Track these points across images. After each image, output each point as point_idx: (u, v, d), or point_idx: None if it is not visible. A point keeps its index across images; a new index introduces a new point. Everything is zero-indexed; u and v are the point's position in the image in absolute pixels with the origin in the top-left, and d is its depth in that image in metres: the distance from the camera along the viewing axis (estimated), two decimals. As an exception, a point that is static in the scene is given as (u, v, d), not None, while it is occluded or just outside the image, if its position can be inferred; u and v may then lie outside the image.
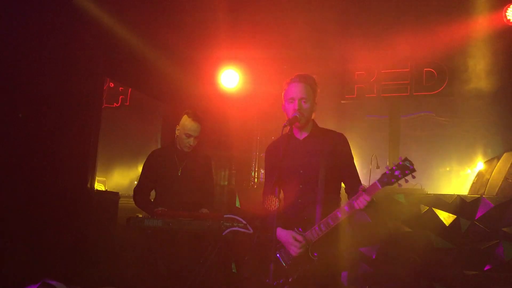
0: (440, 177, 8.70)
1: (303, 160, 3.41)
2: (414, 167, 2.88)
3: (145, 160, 4.81)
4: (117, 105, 8.96)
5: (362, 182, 3.39)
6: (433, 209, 5.46)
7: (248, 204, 6.36)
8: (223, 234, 4.07)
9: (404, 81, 7.39)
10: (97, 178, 6.19)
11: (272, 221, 3.14)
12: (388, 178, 2.92)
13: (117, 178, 9.40)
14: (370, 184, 3.07)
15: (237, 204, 6.51)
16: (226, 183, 8.06)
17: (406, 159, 2.88)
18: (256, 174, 8.28)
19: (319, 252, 3.26)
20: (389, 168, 2.91)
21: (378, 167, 6.99)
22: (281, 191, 3.42)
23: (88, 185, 5.55)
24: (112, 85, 8.84)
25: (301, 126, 3.43)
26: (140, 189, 4.65)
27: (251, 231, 4.05)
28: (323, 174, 3.28)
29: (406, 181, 2.94)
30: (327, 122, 3.63)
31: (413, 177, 2.93)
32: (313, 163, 3.35)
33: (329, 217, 3.20)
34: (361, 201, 3.10)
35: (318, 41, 6.77)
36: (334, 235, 3.27)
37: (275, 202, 3.17)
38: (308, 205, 3.29)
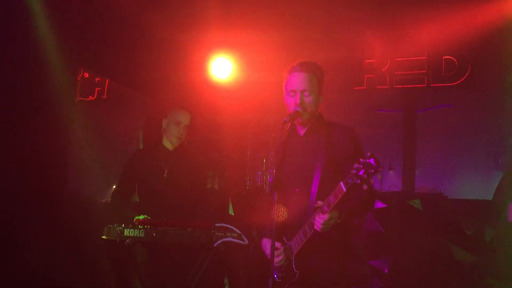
0: (461, 179, 8.72)
1: (301, 159, 3.41)
2: (379, 164, 2.84)
3: (125, 161, 4.80)
4: (92, 99, 8.92)
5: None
6: (454, 216, 5.47)
7: (243, 211, 6.36)
8: (215, 245, 4.06)
9: (420, 70, 7.38)
10: (69, 181, 6.16)
11: (270, 231, 3.13)
12: (353, 179, 2.89)
13: (93, 182, 9.36)
14: (335, 188, 3.01)
15: (230, 211, 6.50)
16: (217, 187, 8.05)
17: (371, 156, 2.85)
18: (252, 176, 8.27)
19: (301, 266, 3.26)
20: (355, 166, 2.89)
21: (391, 169, 7.01)
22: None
23: (59, 190, 5.53)
24: (86, 75, 8.80)
25: (303, 122, 3.42)
26: (119, 194, 4.65)
27: (246, 242, 4.05)
28: (319, 174, 3.27)
29: (371, 181, 2.92)
30: (331, 117, 3.61)
31: (379, 176, 2.92)
32: (310, 162, 3.35)
33: (307, 223, 3.20)
34: (317, 222, 3.07)
35: (322, 25, 6.76)
36: (321, 246, 3.24)
37: (274, 209, 3.17)
38: (302, 211, 3.28)
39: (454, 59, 7.27)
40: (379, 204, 5.70)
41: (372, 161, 2.82)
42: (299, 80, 3.38)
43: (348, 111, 8.01)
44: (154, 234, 4.10)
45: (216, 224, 4.15)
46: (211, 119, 7.62)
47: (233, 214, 7.03)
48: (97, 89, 8.92)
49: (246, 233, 4.12)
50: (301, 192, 3.33)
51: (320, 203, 3.09)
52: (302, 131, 3.48)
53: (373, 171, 2.83)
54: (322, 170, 3.27)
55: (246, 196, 7.16)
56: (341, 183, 2.96)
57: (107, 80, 8.83)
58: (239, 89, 7.65)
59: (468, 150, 8.81)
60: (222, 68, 7.40)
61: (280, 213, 3.37)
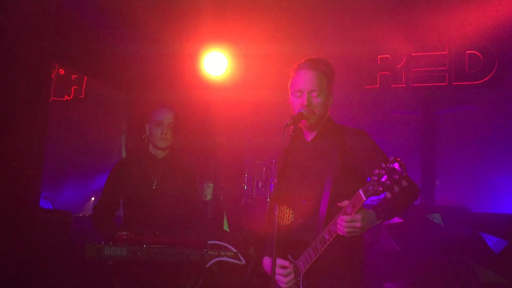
0: (487, 190, 8.71)
1: (309, 168, 3.42)
2: (404, 169, 2.83)
3: (105, 169, 4.80)
4: (69, 99, 8.93)
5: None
6: (480, 232, 5.46)
7: (240, 227, 6.35)
8: (207, 266, 4.05)
9: (441, 67, 7.38)
10: (42, 192, 6.14)
11: (272, 249, 3.12)
12: (374, 186, 2.88)
13: (69, 193, 9.36)
14: (354, 197, 3.02)
15: (225, 226, 6.49)
16: (210, 198, 8.04)
17: (394, 160, 2.84)
18: (250, 187, 8.26)
19: (309, 286, 3.25)
20: (376, 172, 2.88)
21: (407, 179, 6.97)
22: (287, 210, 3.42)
23: (31, 201, 5.52)
24: (62, 72, 8.81)
25: (310, 126, 3.43)
26: (102, 207, 4.65)
27: (244, 262, 4.05)
28: (330, 184, 3.27)
29: (395, 189, 2.90)
30: (339, 119, 3.62)
31: (404, 183, 2.87)
32: (320, 171, 3.36)
33: (318, 239, 3.20)
34: (340, 225, 3.05)
35: (329, 15, 6.76)
36: (331, 266, 3.24)
37: (275, 223, 3.15)
38: (311, 226, 3.29)
39: (479, 54, 7.27)
40: (394, 219, 5.69)
41: (396, 165, 2.82)
42: (307, 79, 3.39)
43: (358, 113, 8.01)
44: (138, 253, 4.09)
45: (209, 242, 4.14)
46: (204, 122, 7.62)
47: (228, 229, 7.02)
48: (74, 87, 8.92)
49: (243, 251, 4.11)
50: (308, 205, 3.33)
51: (343, 203, 3.07)
52: (309, 137, 3.49)
53: (397, 177, 2.82)
54: (334, 180, 3.27)
55: (243, 209, 7.15)
56: (360, 191, 2.97)
57: (86, 78, 8.83)
58: (236, 88, 7.65)
59: (496, 157, 8.79)
60: (216, 64, 7.39)
61: (284, 228, 3.36)
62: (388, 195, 2.89)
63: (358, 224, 3.00)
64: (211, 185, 8.14)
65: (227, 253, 4.07)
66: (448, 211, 5.84)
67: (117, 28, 6.61)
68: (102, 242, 4.13)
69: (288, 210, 3.40)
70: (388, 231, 5.70)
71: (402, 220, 5.68)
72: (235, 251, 4.09)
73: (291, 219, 3.41)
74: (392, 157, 2.85)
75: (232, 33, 7.20)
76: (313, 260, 3.21)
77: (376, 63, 7.65)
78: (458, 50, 7.32)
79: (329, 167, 3.31)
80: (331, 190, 3.25)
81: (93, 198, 9.14)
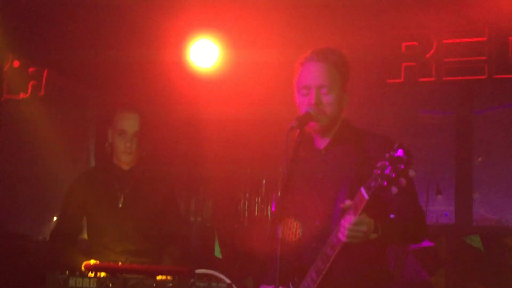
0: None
1: (322, 180, 3.45)
2: (410, 156, 2.80)
3: (67, 187, 4.81)
4: (25, 96, 8.93)
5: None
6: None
7: (234, 252, 6.35)
8: (195, 300, 4.06)
9: (479, 56, 7.40)
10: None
11: (272, 276, 3.14)
12: (376, 181, 2.88)
13: (25, 213, 9.35)
14: (355, 197, 3.04)
15: (217, 252, 6.50)
16: (198, 219, 8.04)
17: (399, 147, 2.82)
18: (247, 203, 8.26)
19: None
20: (379, 164, 2.87)
21: (439, 193, 6.99)
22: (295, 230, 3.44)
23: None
24: (17, 64, 8.82)
25: (321, 129, 3.44)
26: (61, 232, 4.66)
27: (239, 295, 4.05)
28: (342, 200, 3.26)
29: (402, 181, 2.89)
30: (357, 121, 3.63)
31: (412, 173, 2.88)
32: (332, 185, 3.38)
33: (319, 257, 3.23)
34: (341, 231, 3.06)
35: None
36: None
37: (278, 246, 3.17)
38: (321, 249, 3.29)
39: (526, 41, 7.29)
40: (424, 242, 5.69)
41: (400, 153, 2.81)
42: (315, 73, 3.41)
43: (379, 113, 8.03)
44: (110, 285, 4.09)
45: (197, 271, 4.15)
46: (191, 123, 7.62)
47: (220, 256, 7.02)
48: (31, 83, 8.92)
49: (238, 282, 4.12)
50: (322, 226, 3.35)
51: (346, 203, 3.09)
52: (322, 143, 3.50)
53: (403, 166, 2.81)
54: (349, 194, 3.27)
55: (239, 231, 7.16)
56: (362, 189, 2.98)
57: (46, 71, 8.83)
58: (229, 82, 7.66)
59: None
60: (205, 53, 7.41)
61: (291, 252, 3.38)
62: (394, 189, 2.88)
63: (364, 228, 3.02)
64: (200, 201, 8.14)
65: (219, 284, 4.07)
66: (489, 233, 5.85)
67: (85, 9, 6.61)
68: (67, 272, 4.14)
69: (296, 231, 3.42)
70: (416, 256, 5.70)
71: (432, 244, 5.68)
72: (229, 282, 4.08)
73: (300, 241, 3.43)
74: (396, 144, 2.85)
75: (224, 17, 7.21)
76: (317, 284, 3.23)
77: (401, 52, 7.66)
78: (501, 35, 7.32)
79: (345, 179, 3.33)
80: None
81: (55, 218, 9.14)
